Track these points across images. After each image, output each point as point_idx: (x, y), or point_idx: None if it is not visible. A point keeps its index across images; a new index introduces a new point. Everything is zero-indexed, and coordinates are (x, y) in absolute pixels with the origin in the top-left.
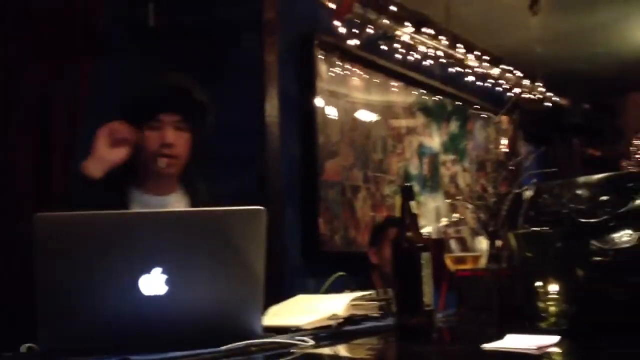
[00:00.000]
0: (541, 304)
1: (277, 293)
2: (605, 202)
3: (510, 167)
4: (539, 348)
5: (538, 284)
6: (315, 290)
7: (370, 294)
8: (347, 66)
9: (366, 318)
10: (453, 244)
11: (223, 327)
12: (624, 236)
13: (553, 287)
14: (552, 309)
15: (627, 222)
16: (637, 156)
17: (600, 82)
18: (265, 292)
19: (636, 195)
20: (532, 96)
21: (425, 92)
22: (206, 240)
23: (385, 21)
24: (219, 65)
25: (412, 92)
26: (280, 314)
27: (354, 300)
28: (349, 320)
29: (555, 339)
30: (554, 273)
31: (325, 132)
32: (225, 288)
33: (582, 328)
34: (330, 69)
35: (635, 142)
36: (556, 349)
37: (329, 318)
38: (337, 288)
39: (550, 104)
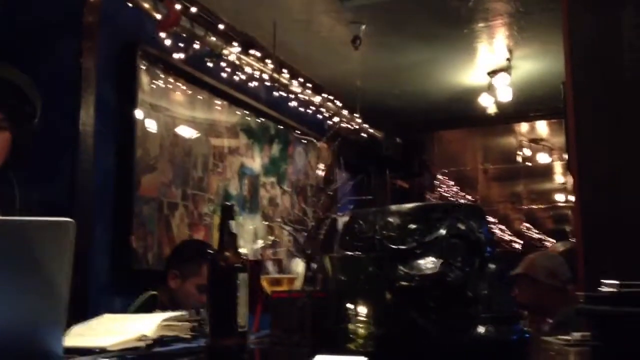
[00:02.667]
0: (351, 326)
1: (82, 311)
2: (413, 230)
3: (329, 193)
4: None
5: (349, 306)
6: (124, 310)
7: (182, 315)
8: (171, 80)
9: (177, 339)
10: (270, 265)
11: (19, 348)
12: (428, 263)
13: (362, 310)
14: (361, 331)
15: (432, 250)
16: (439, 190)
17: (411, 118)
18: (68, 310)
19: (440, 225)
20: (350, 126)
21: (249, 113)
22: (5, 251)
23: (213, 39)
24: (34, 67)
25: (236, 112)
26: (84, 334)
27: (165, 320)
28: (159, 341)
29: (361, 359)
30: (364, 296)
31: (144, 145)
32: (24, 304)
33: (388, 350)
34: (153, 81)
35: (439, 176)
36: None
37: (138, 339)
38: (149, 308)
39: (366, 135)
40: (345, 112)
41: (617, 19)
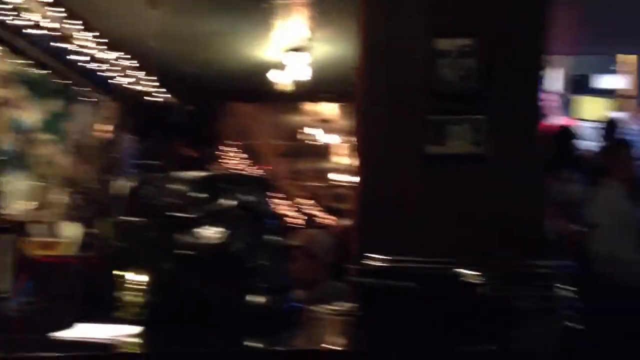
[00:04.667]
0: (126, 295)
1: None
2: (199, 199)
3: (113, 155)
4: (112, 337)
5: (126, 274)
6: None
7: None
8: None
9: None
10: (40, 228)
11: None
12: (212, 232)
13: (140, 278)
14: (136, 299)
15: (217, 220)
16: (228, 161)
17: (205, 87)
18: None
19: (227, 196)
20: (141, 88)
21: (28, 62)
22: None
23: None
24: None
25: (14, 59)
26: None
27: None
28: None
29: (132, 328)
30: (143, 264)
31: None
32: None
33: (163, 319)
34: None
35: (228, 148)
36: (130, 339)
37: None
38: None
39: (157, 99)
40: (137, 73)
41: (410, 9)
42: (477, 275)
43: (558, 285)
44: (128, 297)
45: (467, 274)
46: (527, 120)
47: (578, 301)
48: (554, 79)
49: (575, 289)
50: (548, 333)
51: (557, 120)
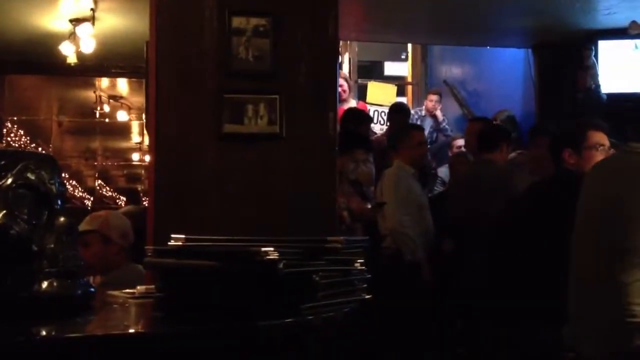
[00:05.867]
0: None
1: None
2: None
3: None
4: None
5: None
6: None
7: None
8: None
9: None
10: None
11: None
12: None
13: None
14: None
15: None
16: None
17: None
18: None
19: (7, 174)
20: None
21: None
22: None
23: None
24: None
25: None
26: None
27: None
28: None
29: None
30: None
31: None
32: None
33: None
34: None
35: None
36: None
37: None
38: None
39: None
40: None
41: None
42: (275, 251)
43: (350, 259)
44: None
45: (265, 250)
46: (320, 100)
47: (367, 274)
48: (344, 64)
49: (364, 263)
50: (342, 304)
51: (348, 104)
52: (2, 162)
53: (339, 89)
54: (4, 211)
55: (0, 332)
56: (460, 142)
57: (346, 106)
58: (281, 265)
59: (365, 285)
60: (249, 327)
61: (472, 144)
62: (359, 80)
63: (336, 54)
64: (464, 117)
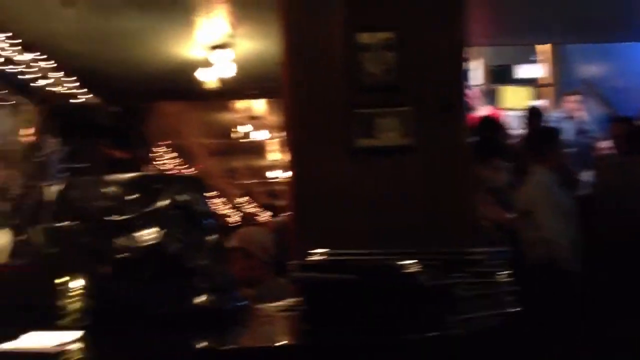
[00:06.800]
0: (63, 301)
1: None
2: (132, 201)
3: (39, 160)
4: (57, 346)
5: (61, 280)
6: None
7: None
8: None
9: None
10: None
11: None
12: (147, 234)
13: (76, 284)
14: (74, 305)
15: (151, 221)
16: (158, 162)
17: (129, 87)
18: None
19: (160, 196)
20: (63, 90)
21: None
22: None
23: None
24: None
25: None
26: None
27: None
28: None
29: (76, 335)
30: (78, 269)
31: None
32: None
33: (104, 324)
34: None
35: (157, 149)
36: (74, 346)
37: None
38: None
39: (80, 101)
40: (56, 74)
41: (331, 3)
42: (415, 264)
43: (493, 271)
44: (66, 303)
45: (405, 263)
46: (449, 110)
47: (513, 286)
48: (475, 70)
49: (509, 274)
50: (486, 318)
51: (481, 110)
52: (157, 186)
53: (471, 96)
54: (160, 231)
55: (160, 344)
56: (605, 143)
57: (479, 113)
58: (422, 279)
59: (512, 298)
60: (395, 341)
61: (620, 145)
62: (490, 86)
63: (464, 62)
64: (606, 118)
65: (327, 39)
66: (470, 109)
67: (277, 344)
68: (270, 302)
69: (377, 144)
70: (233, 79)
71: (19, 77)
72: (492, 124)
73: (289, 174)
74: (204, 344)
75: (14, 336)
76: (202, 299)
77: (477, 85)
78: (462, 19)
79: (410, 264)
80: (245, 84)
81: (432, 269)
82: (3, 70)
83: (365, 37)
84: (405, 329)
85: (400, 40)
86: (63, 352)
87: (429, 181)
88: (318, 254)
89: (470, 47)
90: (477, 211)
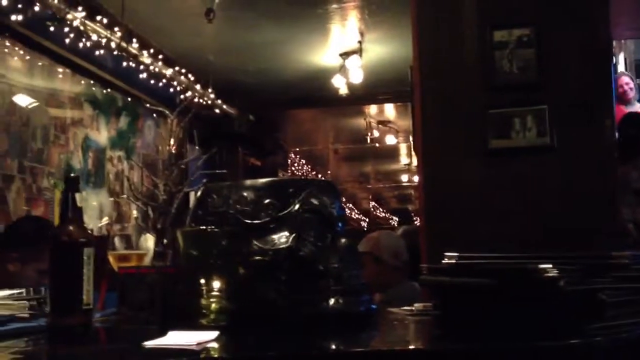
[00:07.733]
0: (203, 301)
1: None
2: (267, 205)
3: (181, 167)
4: (199, 344)
5: (201, 281)
6: None
7: (19, 293)
8: (7, 44)
9: (12, 319)
10: (117, 241)
11: None
12: (281, 237)
13: (215, 285)
14: (213, 306)
15: (286, 224)
16: (291, 168)
17: (264, 96)
18: None
19: (294, 200)
20: (202, 101)
21: (94, 82)
22: None
23: (55, 1)
24: None
25: (81, 81)
26: None
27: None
28: None
29: (215, 334)
30: (217, 271)
31: None
32: None
33: (240, 324)
34: None
35: (291, 155)
36: (214, 344)
37: None
38: None
39: (218, 111)
40: (197, 86)
41: (460, 6)
42: (554, 268)
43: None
44: (205, 303)
45: (545, 267)
46: (594, 107)
47: None
48: (619, 65)
49: None
50: (632, 325)
51: (633, 106)
52: (290, 190)
53: (626, 87)
54: (294, 234)
55: (293, 345)
56: None
57: (630, 108)
58: (562, 283)
59: None
60: (532, 347)
61: None
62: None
63: (609, 56)
64: None
65: (461, 39)
66: (626, 102)
67: (409, 347)
68: (400, 306)
69: (512, 145)
70: (363, 84)
71: (163, 89)
72: (637, 121)
73: (419, 177)
74: (336, 345)
75: (159, 334)
76: (333, 301)
77: (628, 79)
78: (607, 11)
79: (548, 268)
80: (375, 89)
81: (572, 273)
82: (149, 83)
83: (500, 35)
84: (544, 336)
85: (538, 36)
86: (205, 350)
87: (567, 182)
88: (449, 257)
89: (616, 40)
90: (621, 214)
